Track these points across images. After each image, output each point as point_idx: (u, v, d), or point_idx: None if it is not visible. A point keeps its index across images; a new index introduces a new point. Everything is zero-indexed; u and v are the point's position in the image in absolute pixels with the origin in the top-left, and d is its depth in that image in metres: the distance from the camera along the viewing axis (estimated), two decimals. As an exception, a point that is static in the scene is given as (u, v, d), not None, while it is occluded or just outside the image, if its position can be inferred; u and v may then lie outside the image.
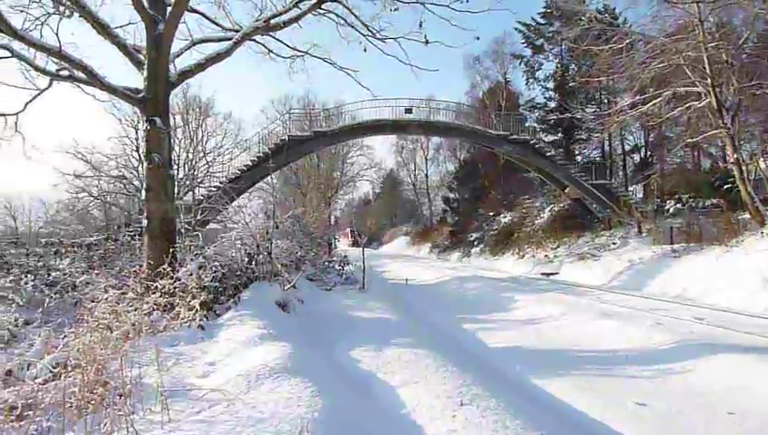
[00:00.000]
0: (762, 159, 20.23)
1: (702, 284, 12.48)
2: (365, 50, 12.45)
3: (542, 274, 20.95)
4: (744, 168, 17.00)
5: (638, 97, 20.63)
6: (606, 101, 32.06)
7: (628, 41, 19.83)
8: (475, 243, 34.31)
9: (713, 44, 17.65)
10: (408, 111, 27.30)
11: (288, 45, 13.30)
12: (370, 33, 12.31)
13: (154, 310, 7.13)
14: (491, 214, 35.69)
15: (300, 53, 13.55)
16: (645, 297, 12.51)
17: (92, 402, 3.99)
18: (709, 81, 17.12)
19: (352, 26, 12.25)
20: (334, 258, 15.93)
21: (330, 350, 6.86)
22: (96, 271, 10.49)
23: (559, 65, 39.02)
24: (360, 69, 13.76)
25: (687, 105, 19.13)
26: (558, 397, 5.42)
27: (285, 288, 9.68)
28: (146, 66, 9.44)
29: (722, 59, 18.14)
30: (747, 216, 16.61)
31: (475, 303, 12.83)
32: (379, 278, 17.70)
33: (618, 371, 6.27)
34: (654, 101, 20.09)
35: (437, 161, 56.27)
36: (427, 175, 57.00)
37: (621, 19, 27.92)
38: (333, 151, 37.64)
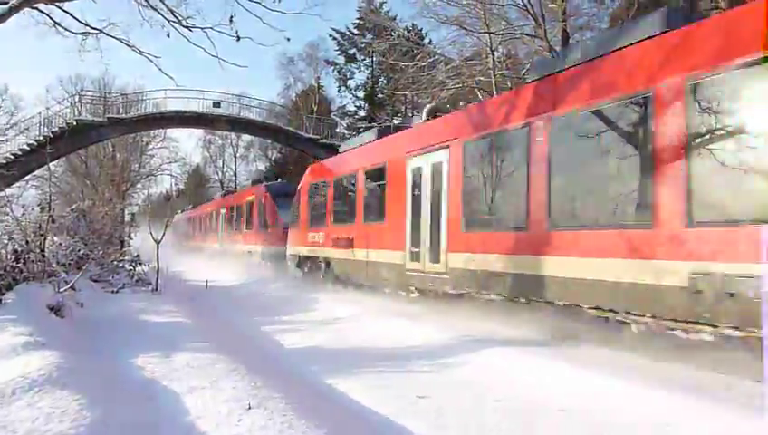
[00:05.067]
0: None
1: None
2: (168, 35, 11.64)
3: None
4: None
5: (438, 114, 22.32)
6: (410, 114, 34.21)
7: (430, 60, 21.43)
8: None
9: (500, 72, 19.85)
10: (217, 105, 26.27)
11: (79, 20, 11.91)
12: (176, 20, 11.54)
13: None
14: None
15: (94, 31, 12.23)
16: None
17: None
18: (495, 104, 19.13)
19: (155, 9, 11.37)
20: (125, 257, 14.61)
21: (110, 358, 6.23)
22: None
23: (370, 76, 40.74)
24: (167, 57, 12.77)
25: (478, 125, 21.18)
26: (348, 395, 5.57)
27: (61, 290, 8.59)
28: None
29: (507, 86, 20.45)
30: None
31: (277, 304, 12.74)
32: (177, 279, 16.67)
33: (404, 366, 6.66)
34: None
35: (248, 160, 55.04)
36: (235, 173, 55.44)
37: (427, 39, 30.14)
38: (132, 141, 34.62)
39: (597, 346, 6.89)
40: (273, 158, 48.93)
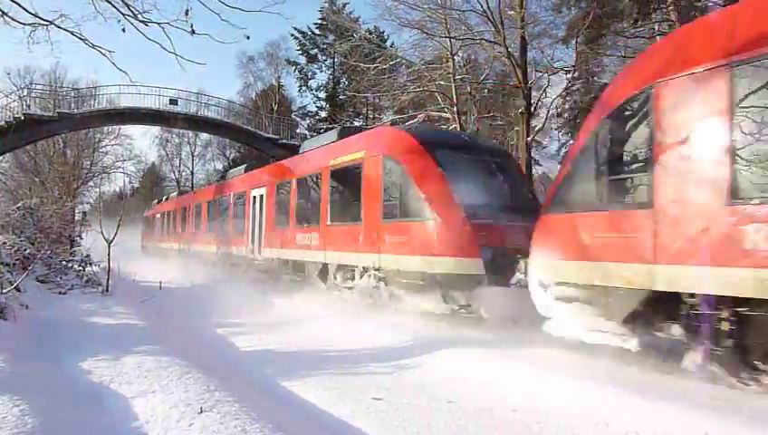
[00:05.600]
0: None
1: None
2: (123, 30, 11.30)
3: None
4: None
5: (398, 116, 22.53)
6: (372, 116, 34.26)
7: (392, 63, 21.55)
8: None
9: (460, 77, 20.12)
10: (174, 102, 25.71)
11: (28, 11, 11.44)
12: (131, 14, 11.22)
13: None
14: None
15: (44, 23, 11.77)
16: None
17: None
18: (455, 108, 19.43)
19: (109, 2, 11.03)
20: (75, 257, 14.12)
21: (56, 361, 6.01)
22: None
23: (331, 77, 40.60)
24: (124, 53, 12.42)
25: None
26: (304, 397, 5.54)
27: (4, 291, 8.24)
28: None
29: (466, 91, 20.76)
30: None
31: (234, 305, 12.53)
32: (130, 280, 16.21)
33: (361, 368, 6.67)
34: (411, 122, 22.09)
35: (205, 159, 54.06)
36: (192, 172, 54.38)
37: (389, 42, 30.26)
38: (84, 137, 33.55)
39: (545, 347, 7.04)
40: (231, 157, 48.21)
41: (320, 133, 36.88)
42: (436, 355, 7.01)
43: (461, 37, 18.72)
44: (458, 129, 19.10)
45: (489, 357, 6.69)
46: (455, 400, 5.37)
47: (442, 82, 20.08)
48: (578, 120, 23.85)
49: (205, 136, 48.39)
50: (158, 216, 32.08)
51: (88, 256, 13.73)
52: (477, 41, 18.94)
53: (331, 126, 32.48)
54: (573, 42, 18.96)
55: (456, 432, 4.59)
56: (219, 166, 50.53)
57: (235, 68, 58.21)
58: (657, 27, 18.44)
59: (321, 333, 9.11)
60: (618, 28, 19.47)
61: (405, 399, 5.43)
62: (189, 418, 4.01)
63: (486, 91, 24.57)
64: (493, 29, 17.63)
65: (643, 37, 18.28)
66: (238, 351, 8.09)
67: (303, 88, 41.69)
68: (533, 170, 25.68)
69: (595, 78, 24.69)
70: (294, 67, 41.67)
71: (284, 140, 27.77)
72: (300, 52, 41.18)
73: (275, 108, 38.29)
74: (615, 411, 4.74)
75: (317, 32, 40.15)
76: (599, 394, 5.08)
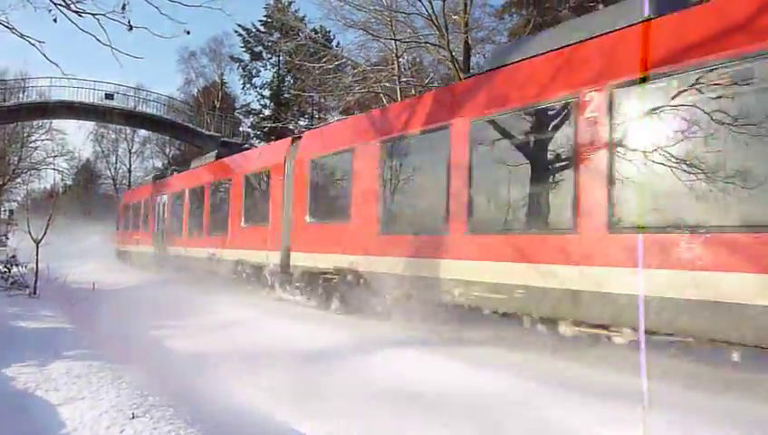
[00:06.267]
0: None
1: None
2: (55, 20, 10.78)
3: None
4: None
5: (343, 117, 22.47)
6: (317, 116, 34.05)
7: (337, 63, 21.46)
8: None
9: (405, 79, 20.27)
10: (110, 96, 24.72)
11: (-51, -3, 10.77)
12: (63, 3, 10.72)
13: None
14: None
15: (-33, 10, 11.07)
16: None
17: None
18: (400, 110, 19.47)
19: (39, -11, 10.50)
20: (-1, 258, 13.38)
21: (-25, 368, 5.67)
22: None
23: (276, 75, 40.06)
24: (56, 44, 11.88)
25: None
26: (242, 398, 5.45)
27: None
28: None
29: (411, 94, 20.93)
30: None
31: (171, 308, 12.16)
32: (60, 282, 15.49)
33: (300, 368, 6.61)
34: (355, 123, 22.05)
35: (143, 156, 52.19)
36: (130, 169, 52.40)
37: (335, 42, 30.15)
38: (11, 131, 31.79)
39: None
40: (171, 155, 46.80)
41: (264, 131, 36.39)
42: (377, 354, 7.03)
43: (406, 40, 18.85)
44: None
45: (432, 353, 6.74)
46: (397, 396, 5.41)
47: (387, 84, 20.15)
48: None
49: (143, 132, 46.74)
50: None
51: (14, 256, 13.04)
52: (422, 44, 19.12)
53: (275, 125, 32.11)
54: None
55: (399, 430, 4.62)
56: (159, 163, 48.91)
57: (176, 63, 56.43)
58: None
59: (259, 333, 8.99)
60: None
61: (345, 398, 5.42)
62: (120, 424, 3.87)
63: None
64: (437, 33, 17.84)
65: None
66: (176, 354, 7.86)
67: (247, 86, 40.94)
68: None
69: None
70: (238, 64, 40.88)
71: (227, 138, 27.20)
72: (244, 49, 40.44)
73: (218, 105, 37.46)
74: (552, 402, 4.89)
75: (262, 29, 39.52)
76: (527, 387, 5.23)
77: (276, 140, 35.66)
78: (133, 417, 3.95)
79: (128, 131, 49.32)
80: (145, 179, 23.56)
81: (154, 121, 27.53)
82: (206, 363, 7.03)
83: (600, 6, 16.97)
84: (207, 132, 27.11)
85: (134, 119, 27.13)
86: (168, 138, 40.99)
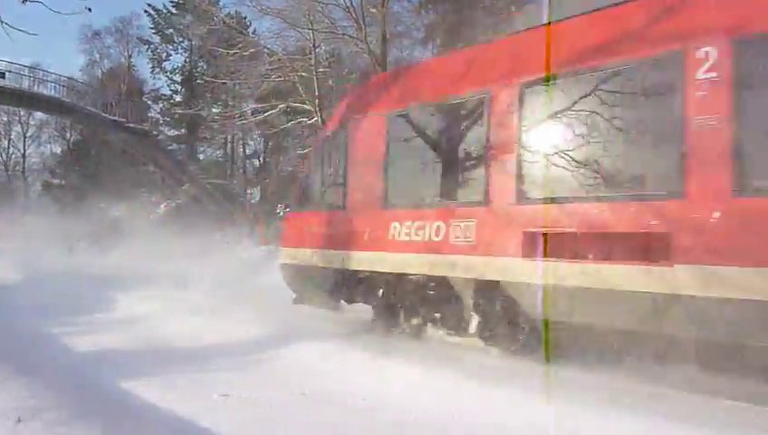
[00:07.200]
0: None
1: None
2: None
3: None
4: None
5: (259, 105, 21.99)
6: (231, 103, 33.01)
7: (252, 50, 20.91)
8: (83, 236, 30.85)
9: (322, 70, 20.11)
10: (1, 75, 22.73)
11: None
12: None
13: None
14: (102, 206, 32.58)
15: None
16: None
17: None
18: (317, 101, 19.36)
19: None
20: None
21: None
22: None
23: (188, 60, 38.54)
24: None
25: (299, 120, 21.33)
26: (145, 397, 5.21)
27: None
28: None
29: (328, 84, 20.80)
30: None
31: (71, 303, 11.48)
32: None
33: (206, 365, 6.44)
34: (271, 112, 21.70)
35: (40, 141, 48.44)
36: (24, 155, 48.49)
37: (251, 29, 29.22)
38: None
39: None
40: (71, 140, 43.79)
41: (174, 118, 34.89)
42: (290, 348, 6.97)
43: (323, 30, 18.64)
44: (320, 122, 19.09)
45: (346, 348, 6.76)
46: (308, 391, 5.37)
47: (304, 74, 19.87)
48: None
49: (40, 115, 43.30)
50: None
51: None
52: (340, 35, 19.00)
53: (186, 111, 30.83)
54: (431, 44, 19.77)
55: (309, 426, 4.59)
56: (57, 149, 45.67)
57: (78, 43, 52.64)
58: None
59: (164, 329, 8.68)
60: (470, 35, 20.64)
61: (255, 392, 5.32)
62: (6, 428, 3.59)
63: (349, 86, 24.81)
64: (355, 25, 17.80)
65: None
66: (73, 351, 7.41)
67: (157, 69, 39.01)
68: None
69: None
70: (147, 47, 38.85)
71: (133, 124, 25.79)
72: (154, 31, 38.47)
73: (124, 89, 35.48)
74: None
75: (174, 11, 37.77)
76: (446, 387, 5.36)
77: (187, 128, 34.35)
78: (19, 421, 3.66)
79: (22, 114, 45.55)
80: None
81: (51, 104, 25.59)
82: (110, 359, 6.67)
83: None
84: (111, 117, 25.56)
85: (28, 99, 25.07)
86: (68, 122, 38.32)
